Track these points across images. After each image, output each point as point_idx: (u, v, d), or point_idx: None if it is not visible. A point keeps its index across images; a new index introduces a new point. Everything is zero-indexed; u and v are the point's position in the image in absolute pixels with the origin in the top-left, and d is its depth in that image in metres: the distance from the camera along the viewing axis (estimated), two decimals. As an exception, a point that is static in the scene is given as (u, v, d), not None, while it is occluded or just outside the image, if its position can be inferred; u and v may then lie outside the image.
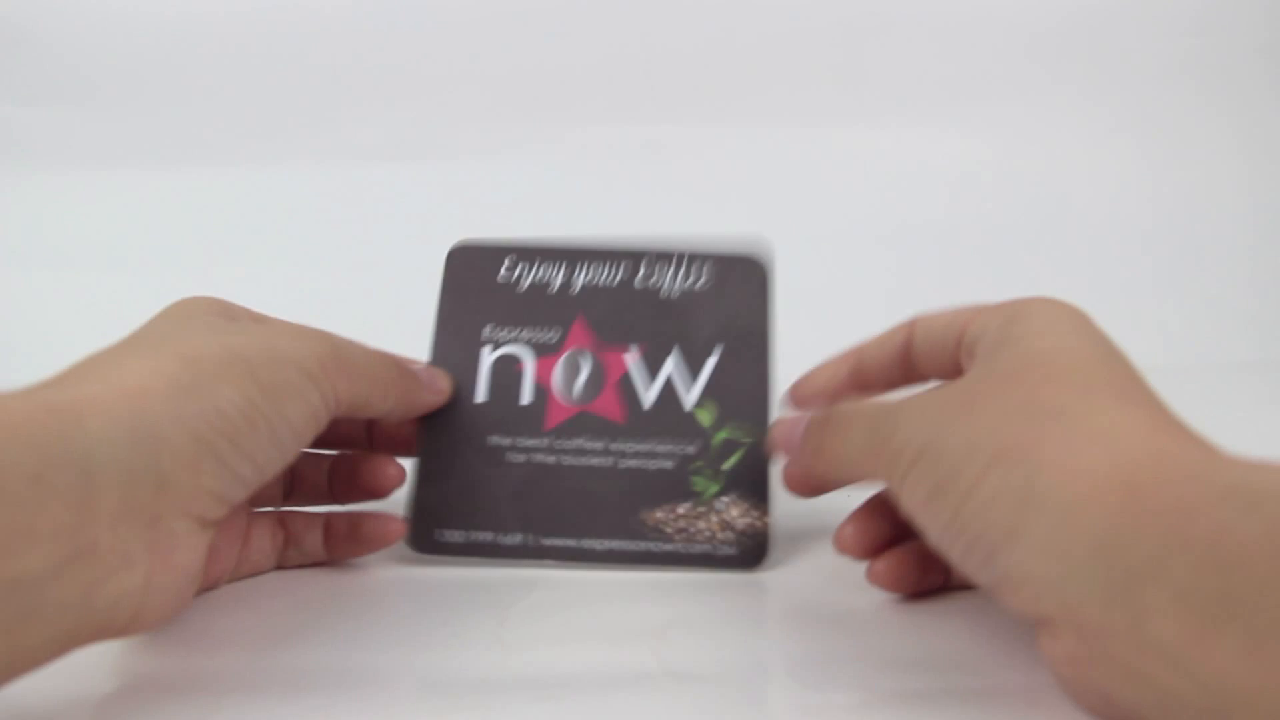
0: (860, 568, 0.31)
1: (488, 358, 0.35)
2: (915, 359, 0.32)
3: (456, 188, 0.75)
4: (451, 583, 0.33)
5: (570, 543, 0.33)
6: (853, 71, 0.77)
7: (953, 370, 0.31)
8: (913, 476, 0.25)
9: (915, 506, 0.25)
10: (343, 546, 0.34)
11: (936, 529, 0.25)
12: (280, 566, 0.34)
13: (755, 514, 0.34)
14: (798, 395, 0.35)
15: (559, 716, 0.25)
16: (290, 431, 0.27)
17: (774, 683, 0.27)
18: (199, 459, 0.24)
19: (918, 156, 0.77)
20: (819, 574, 0.34)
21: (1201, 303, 0.73)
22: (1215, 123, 0.77)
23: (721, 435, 0.35)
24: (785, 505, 0.35)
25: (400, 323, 0.70)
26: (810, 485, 0.33)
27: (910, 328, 0.33)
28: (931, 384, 0.31)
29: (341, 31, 0.75)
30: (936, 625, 0.30)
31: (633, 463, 0.34)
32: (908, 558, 0.31)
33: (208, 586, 0.31)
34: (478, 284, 0.36)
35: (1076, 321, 0.28)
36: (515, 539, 0.33)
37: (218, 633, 0.29)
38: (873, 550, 0.31)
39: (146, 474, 0.23)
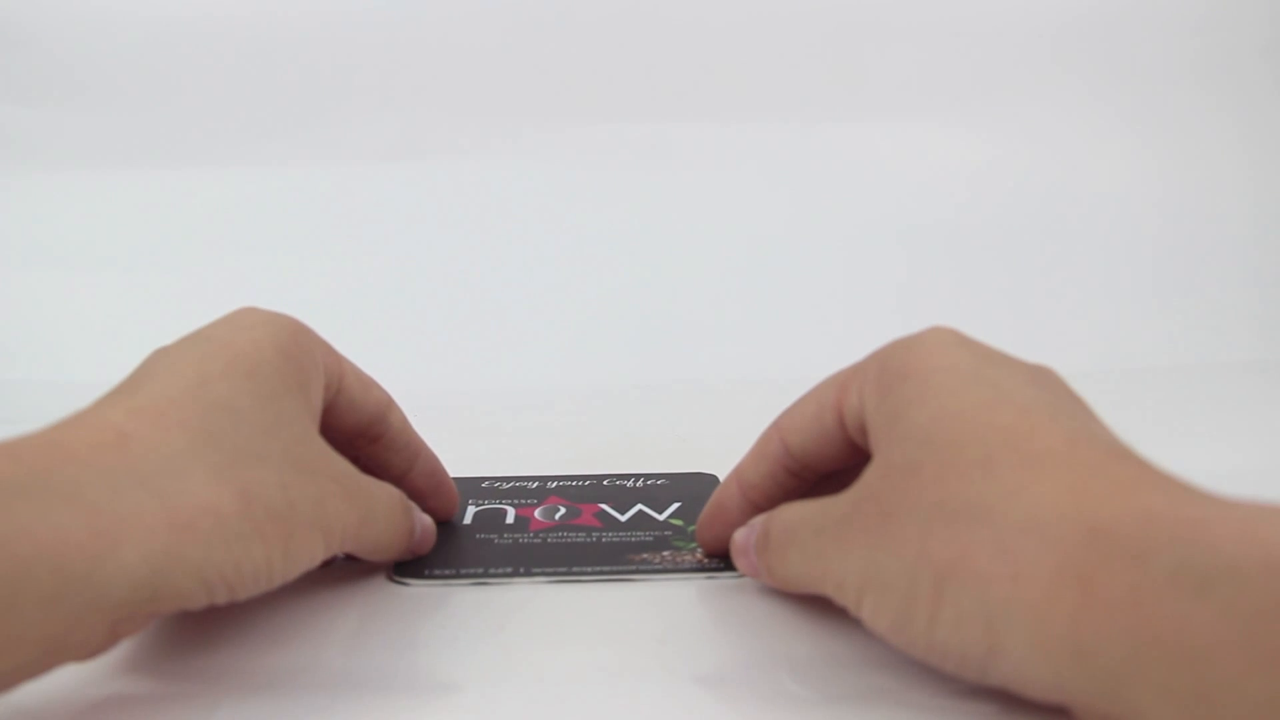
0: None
1: (471, 510, 0.39)
2: (801, 460, 0.31)
3: (455, 188, 0.75)
4: (452, 588, 0.33)
5: (561, 568, 0.34)
6: (856, 69, 0.77)
7: (847, 452, 0.30)
8: (866, 609, 0.25)
9: (883, 635, 0.25)
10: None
11: (917, 653, 0.25)
12: None
13: None
14: (702, 541, 0.35)
15: (559, 717, 0.25)
16: (283, 580, 0.27)
17: (773, 683, 0.27)
18: (193, 593, 0.25)
19: (920, 155, 0.77)
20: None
21: (1201, 303, 0.73)
22: (1218, 122, 0.77)
23: (693, 527, 0.37)
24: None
25: (399, 322, 0.71)
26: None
27: (779, 433, 0.31)
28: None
29: (340, 31, 0.75)
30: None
31: (614, 539, 0.37)
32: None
33: None
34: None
35: (950, 358, 0.27)
36: (505, 570, 0.34)
37: (218, 633, 0.29)
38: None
39: (143, 601, 0.24)
